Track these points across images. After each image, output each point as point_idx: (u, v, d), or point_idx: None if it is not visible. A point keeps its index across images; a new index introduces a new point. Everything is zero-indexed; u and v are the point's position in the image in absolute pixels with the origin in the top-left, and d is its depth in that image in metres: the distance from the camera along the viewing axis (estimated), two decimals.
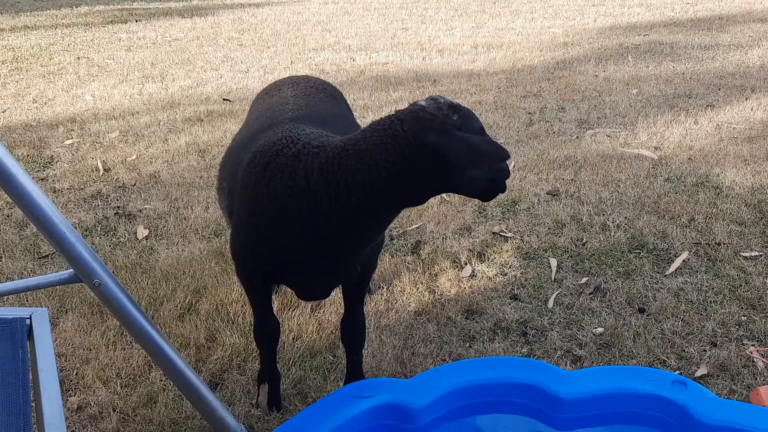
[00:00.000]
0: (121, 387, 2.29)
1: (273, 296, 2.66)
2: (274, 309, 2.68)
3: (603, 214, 3.45)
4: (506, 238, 3.31)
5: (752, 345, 2.43)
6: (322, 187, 1.65)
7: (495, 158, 1.62)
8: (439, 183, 1.67)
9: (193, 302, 2.73)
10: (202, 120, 5.20)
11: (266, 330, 2.09)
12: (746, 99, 5.20)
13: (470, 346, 2.51)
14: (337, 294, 2.43)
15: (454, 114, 1.62)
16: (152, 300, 2.75)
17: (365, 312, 2.72)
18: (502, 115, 5.18)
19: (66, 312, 2.70)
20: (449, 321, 2.66)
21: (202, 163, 4.29)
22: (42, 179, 4.13)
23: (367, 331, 2.58)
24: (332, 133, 1.90)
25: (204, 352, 2.46)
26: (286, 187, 1.69)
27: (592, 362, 2.39)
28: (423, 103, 1.66)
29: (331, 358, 2.45)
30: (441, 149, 1.57)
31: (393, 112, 1.72)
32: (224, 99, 5.78)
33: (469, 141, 1.59)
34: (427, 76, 6.40)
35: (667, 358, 2.40)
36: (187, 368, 1.82)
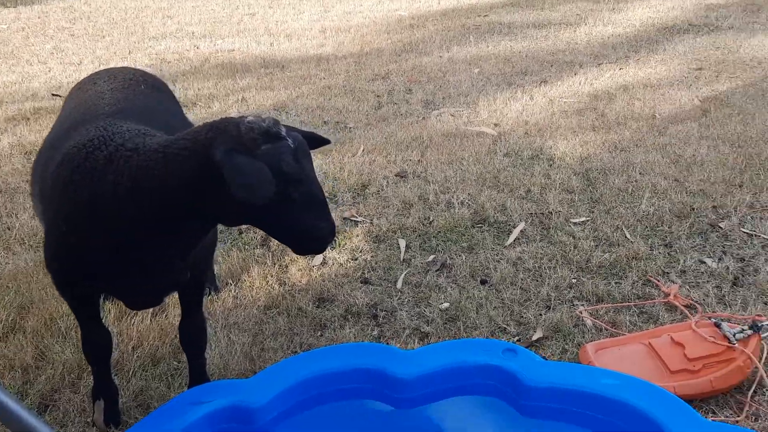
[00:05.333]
0: None
1: (107, 304, 2.50)
2: (111, 317, 2.53)
3: (448, 192, 3.56)
4: (356, 223, 3.32)
5: (582, 305, 2.61)
6: (129, 193, 1.54)
7: (258, 195, 1.49)
8: (232, 209, 1.56)
9: (18, 320, 2.50)
10: (28, 118, 4.77)
11: (95, 343, 1.95)
12: (575, 74, 5.57)
13: (321, 335, 2.50)
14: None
15: (264, 141, 1.52)
16: None
17: (213, 311, 2.65)
18: (351, 99, 5.19)
19: None
20: (300, 312, 2.63)
21: (28, 165, 3.93)
22: None
23: (214, 330, 2.51)
24: (155, 130, 1.79)
25: (32, 373, 2.26)
26: (93, 193, 1.57)
27: (439, 337, 2.46)
28: (249, 119, 1.59)
29: (175, 363, 2.34)
30: (221, 169, 1.48)
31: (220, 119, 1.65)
32: (53, 94, 5.34)
33: (245, 170, 1.47)
34: (275, 62, 6.28)
35: (507, 325, 2.52)
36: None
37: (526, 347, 2.38)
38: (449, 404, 1.78)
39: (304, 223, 1.60)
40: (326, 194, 3.57)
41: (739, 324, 2.27)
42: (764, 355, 2.20)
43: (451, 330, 2.51)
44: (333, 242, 2.62)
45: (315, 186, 1.62)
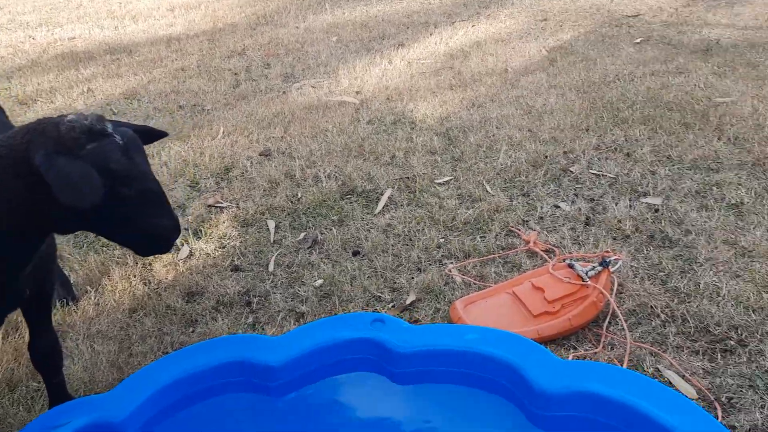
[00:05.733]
0: None
1: None
2: None
3: (314, 166, 3.52)
4: (222, 209, 3.22)
5: (450, 263, 2.68)
6: None
7: (86, 198, 1.41)
8: (62, 215, 1.47)
9: None
10: None
11: None
12: (430, 35, 5.65)
13: (193, 331, 2.41)
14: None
15: (88, 140, 1.42)
16: None
17: (73, 323, 2.48)
18: (207, 80, 4.99)
19: None
20: (169, 309, 2.53)
21: None
22: None
23: (76, 342, 2.36)
24: None
25: None
26: None
27: (315, 315, 2.45)
28: (69, 118, 1.47)
29: (35, 385, 2.18)
30: (43, 174, 1.38)
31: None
32: None
33: (68, 172, 1.38)
34: (122, 47, 5.91)
35: (382, 293, 2.54)
36: None
37: (401, 312, 2.44)
38: (324, 385, 1.78)
39: (144, 222, 1.52)
40: (188, 182, 3.48)
41: (590, 262, 2.42)
42: (615, 287, 2.37)
43: (326, 306, 2.50)
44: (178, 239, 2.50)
45: (151, 182, 1.54)
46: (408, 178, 3.34)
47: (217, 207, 3.24)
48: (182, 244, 2.93)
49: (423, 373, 1.72)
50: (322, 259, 2.78)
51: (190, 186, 3.45)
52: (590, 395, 1.54)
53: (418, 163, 3.46)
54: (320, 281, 2.63)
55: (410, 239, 2.86)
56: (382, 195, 3.20)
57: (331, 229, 2.97)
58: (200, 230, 3.05)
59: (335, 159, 3.59)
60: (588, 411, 1.55)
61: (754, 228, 2.66)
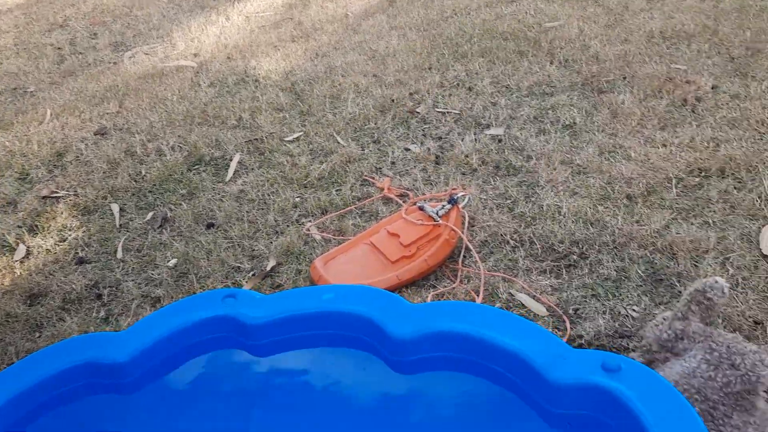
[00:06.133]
0: None
1: None
2: None
3: (156, 139, 3.33)
4: (59, 199, 2.98)
5: (308, 222, 2.64)
6: None
7: None
8: None
9: None
10: None
11: None
12: None
13: (39, 336, 2.24)
14: None
15: None
16: None
17: None
18: (26, 59, 4.55)
19: None
20: (9, 317, 2.33)
21: None
22: None
23: None
24: None
25: None
26: None
27: (173, 297, 2.35)
28: None
29: None
30: None
31: None
32: None
33: None
34: None
35: (241, 263, 2.47)
36: None
37: (262, 279, 2.39)
38: (182, 371, 1.70)
39: None
40: (16, 175, 3.18)
41: (440, 201, 2.47)
42: (466, 221, 2.44)
43: (183, 286, 2.40)
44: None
45: None
46: (257, 139, 3.24)
47: (52, 197, 2.99)
48: (17, 244, 2.69)
49: (281, 341, 1.69)
50: (174, 237, 2.65)
51: (20, 179, 3.15)
52: (442, 334, 1.58)
53: (265, 122, 3.36)
54: (174, 260, 2.52)
55: (265, 203, 2.79)
56: (231, 161, 3.09)
57: (180, 204, 2.84)
58: (36, 225, 2.81)
59: (178, 129, 3.41)
60: (443, 349, 1.59)
61: (586, 145, 2.82)
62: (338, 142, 3.11)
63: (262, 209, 2.75)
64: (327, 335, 1.71)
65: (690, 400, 1.48)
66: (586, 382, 1.41)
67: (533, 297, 2.14)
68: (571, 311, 2.07)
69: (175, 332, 1.70)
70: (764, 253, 2.15)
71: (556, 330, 2.02)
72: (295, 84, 3.71)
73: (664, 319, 1.68)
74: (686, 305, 1.61)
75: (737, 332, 1.89)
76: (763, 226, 2.27)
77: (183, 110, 3.56)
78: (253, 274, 2.41)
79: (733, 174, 2.53)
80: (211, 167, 3.08)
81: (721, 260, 2.16)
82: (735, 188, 2.46)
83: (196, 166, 3.10)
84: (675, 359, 1.57)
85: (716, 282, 1.58)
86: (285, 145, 3.17)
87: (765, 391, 1.47)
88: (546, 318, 2.06)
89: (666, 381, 1.39)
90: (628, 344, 1.93)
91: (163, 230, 2.70)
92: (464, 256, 2.33)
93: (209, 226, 2.69)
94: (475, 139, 2.98)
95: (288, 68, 3.92)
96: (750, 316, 1.95)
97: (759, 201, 2.38)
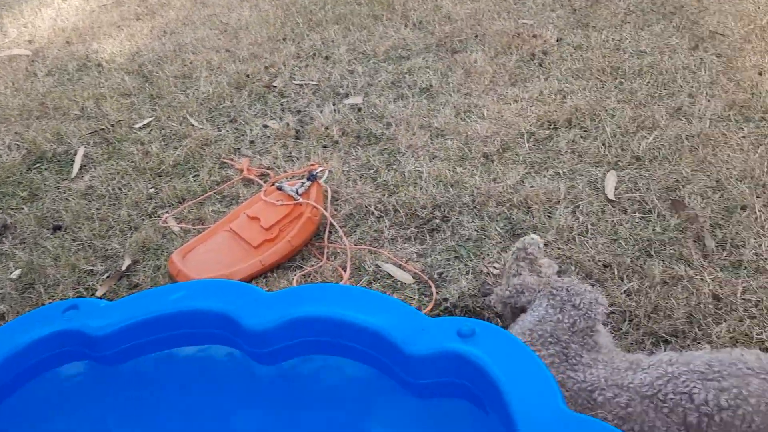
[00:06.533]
0: None
1: None
2: None
3: None
4: None
5: (165, 213, 2.50)
6: None
7: None
8: None
9: None
10: None
11: None
12: None
13: None
14: None
15: None
16: None
17: None
18: None
19: None
20: None
21: None
22: None
23: None
24: None
25: None
26: None
27: (18, 312, 2.16)
28: None
29: None
30: None
31: None
32: None
33: None
34: None
35: (93, 266, 2.31)
36: None
37: (118, 280, 2.24)
38: (25, 393, 1.57)
39: None
40: None
41: (300, 179, 2.40)
42: (329, 196, 2.39)
43: (30, 298, 2.21)
44: None
45: None
46: (103, 129, 3.02)
47: None
48: None
49: (133, 348, 1.59)
50: (16, 245, 2.43)
51: None
52: (301, 320, 1.54)
53: (112, 109, 3.13)
54: (18, 271, 2.31)
55: (116, 197, 2.61)
56: (76, 155, 2.86)
57: (22, 208, 2.60)
58: None
59: (14, 125, 3.11)
60: (304, 335, 1.55)
61: (443, 107, 2.84)
62: (192, 125, 2.96)
63: (114, 204, 2.58)
64: (183, 335, 1.63)
65: (545, 344, 1.54)
66: (443, 350, 1.42)
67: (399, 266, 2.14)
68: (436, 276, 2.09)
69: (10, 356, 1.56)
70: (609, 198, 2.26)
71: (423, 296, 2.03)
72: (142, 66, 3.48)
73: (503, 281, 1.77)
74: (514, 262, 1.71)
75: (589, 277, 1.98)
76: (608, 171, 2.38)
77: (18, 104, 3.26)
78: (108, 276, 2.26)
79: (579, 124, 2.64)
80: (53, 164, 2.84)
81: (572, 209, 2.25)
82: (581, 137, 2.57)
83: (37, 165, 2.85)
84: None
85: (532, 239, 1.75)
86: (135, 132, 2.97)
87: (603, 324, 1.58)
88: (413, 285, 2.07)
89: (516, 338, 1.42)
90: (491, 301, 1.98)
91: (4, 239, 2.47)
92: (329, 233, 2.29)
93: (56, 229, 2.49)
94: (335, 110, 2.92)
95: (134, 49, 3.67)
96: (599, 260, 2.04)
97: (603, 148, 2.50)
